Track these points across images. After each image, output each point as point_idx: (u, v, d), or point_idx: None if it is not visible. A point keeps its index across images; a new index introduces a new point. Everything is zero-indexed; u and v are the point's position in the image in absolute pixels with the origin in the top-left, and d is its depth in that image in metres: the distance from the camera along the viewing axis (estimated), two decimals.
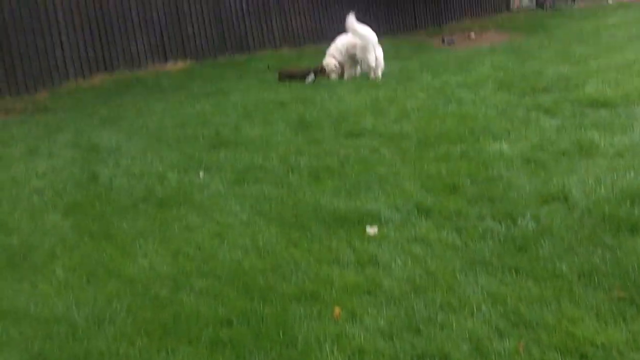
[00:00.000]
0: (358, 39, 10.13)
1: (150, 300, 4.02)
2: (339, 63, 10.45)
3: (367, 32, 10.14)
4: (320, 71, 10.32)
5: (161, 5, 12.38)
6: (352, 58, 10.50)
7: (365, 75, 10.54)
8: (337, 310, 3.70)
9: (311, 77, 10.28)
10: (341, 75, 10.53)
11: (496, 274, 3.96)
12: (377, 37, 10.29)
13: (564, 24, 15.55)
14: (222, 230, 4.96)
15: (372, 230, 4.70)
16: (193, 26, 12.80)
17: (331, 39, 10.96)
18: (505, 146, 6.19)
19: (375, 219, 4.85)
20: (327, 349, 3.36)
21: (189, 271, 4.35)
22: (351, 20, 10.04)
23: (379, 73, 10.31)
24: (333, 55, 10.46)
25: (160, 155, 6.90)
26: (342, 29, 12.29)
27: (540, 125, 6.81)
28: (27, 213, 5.56)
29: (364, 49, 10.14)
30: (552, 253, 4.12)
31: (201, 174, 6.24)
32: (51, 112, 9.61)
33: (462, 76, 9.70)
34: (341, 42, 10.56)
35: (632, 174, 5.22)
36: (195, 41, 12.86)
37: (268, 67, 10.94)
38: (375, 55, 10.18)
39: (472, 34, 15.68)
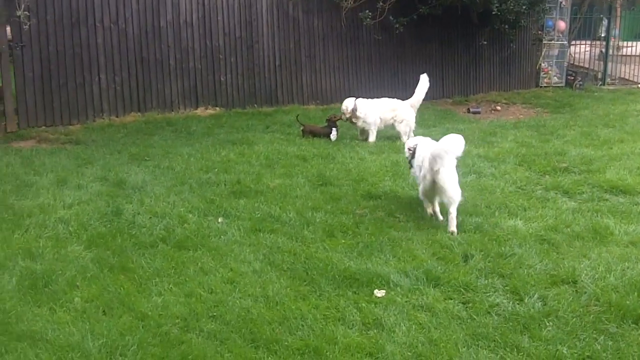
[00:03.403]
0: (419, 97, 10.93)
1: (160, 337, 4.16)
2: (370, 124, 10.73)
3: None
4: (334, 119, 10.62)
5: (198, 53, 12.79)
6: (383, 121, 10.81)
7: (388, 137, 10.77)
8: None
9: (334, 133, 10.52)
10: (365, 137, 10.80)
11: (497, 351, 4.05)
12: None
13: (592, 104, 15.46)
14: (235, 276, 5.11)
15: (379, 293, 4.80)
16: (226, 75, 13.19)
17: (358, 97, 11.10)
18: (520, 223, 6.29)
19: (384, 282, 4.96)
20: None
21: (200, 313, 4.49)
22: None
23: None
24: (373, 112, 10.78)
25: (183, 198, 7.09)
26: (369, 88, 12.64)
27: (558, 206, 6.90)
28: (51, 241, 5.74)
29: (409, 112, 10.79)
30: (555, 335, 4.20)
31: (220, 219, 6.41)
32: (82, 145, 9.87)
33: (484, 148, 9.84)
34: (378, 105, 10.87)
35: None
36: (226, 90, 13.24)
37: (297, 117, 11.15)
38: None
39: (498, 107, 15.85)
